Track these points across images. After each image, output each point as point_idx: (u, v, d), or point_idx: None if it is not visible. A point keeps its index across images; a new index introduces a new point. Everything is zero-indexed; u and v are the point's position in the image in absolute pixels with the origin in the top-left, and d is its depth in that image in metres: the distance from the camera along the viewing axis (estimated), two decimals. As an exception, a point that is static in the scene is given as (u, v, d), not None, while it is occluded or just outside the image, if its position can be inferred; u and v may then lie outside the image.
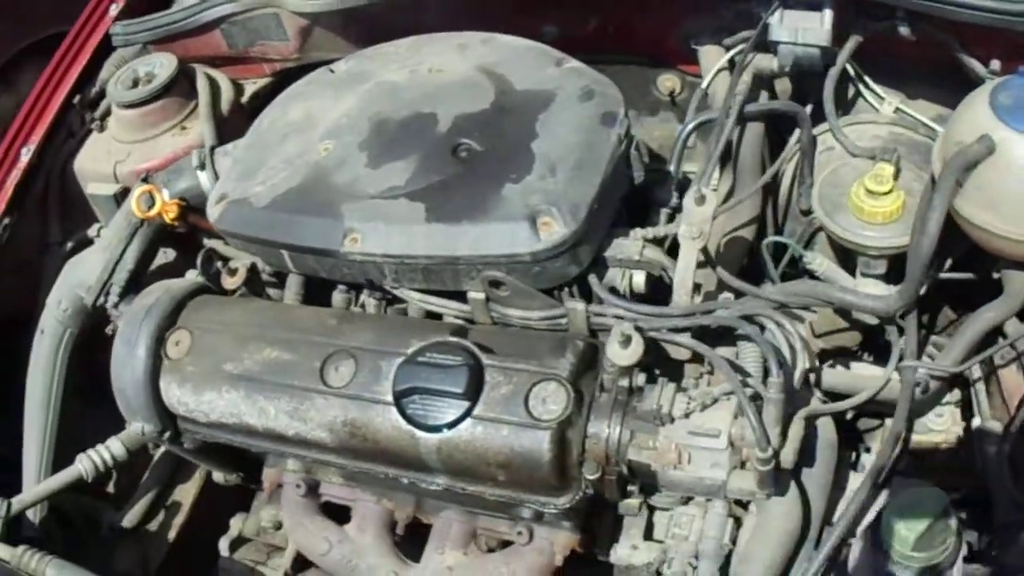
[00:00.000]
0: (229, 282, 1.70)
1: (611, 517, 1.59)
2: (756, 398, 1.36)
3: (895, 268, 1.58)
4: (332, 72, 1.84)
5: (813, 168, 1.71)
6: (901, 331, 1.47)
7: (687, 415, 1.35)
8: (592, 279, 1.49)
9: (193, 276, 1.76)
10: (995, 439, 1.68)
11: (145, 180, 1.85)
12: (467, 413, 1.38)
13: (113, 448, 1.84)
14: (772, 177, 1.78)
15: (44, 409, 1.92)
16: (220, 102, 2.04)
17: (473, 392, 1.38)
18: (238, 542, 1.89)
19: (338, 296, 1.71)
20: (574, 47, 1.74)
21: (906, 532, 1.21)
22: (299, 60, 2.06)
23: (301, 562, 1.83)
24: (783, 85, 1.86)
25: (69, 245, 2.06)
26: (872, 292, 1.54)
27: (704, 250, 1.54)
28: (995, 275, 1.53)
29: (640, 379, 1.40)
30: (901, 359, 1.44)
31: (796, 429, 1.37)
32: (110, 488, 2.06)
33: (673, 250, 1.55)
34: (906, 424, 1.40)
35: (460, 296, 1.56)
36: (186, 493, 2.04)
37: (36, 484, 1.88)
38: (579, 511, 1.50)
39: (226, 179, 1.73)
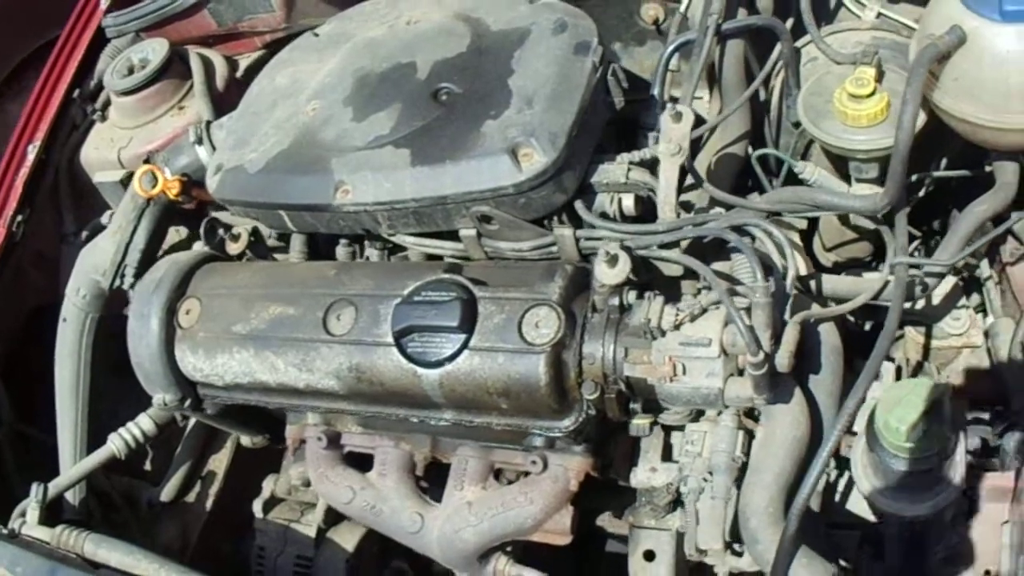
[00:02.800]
0: (233, 248, 1.81)
1: (628, 442, 1.66)
2: (749, 308, 1.42)
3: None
4: (316, 36, 1.93)
5: (799, 80, 1.76)
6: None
7: (677, 327, 1.42)
8: (579, 205, 1.56)
9: (199, 247, 1.86)
10: (1007, 333, 1.72)
11: (147, 161, 1.96)
12: (464, 346, 1.46)
13: (143, 424, 1.96)
14: (763, 92, 1.83)
15: (74, 394, 2.04)
16: (215, 79, 2.14)
17: (468, 324, 1.46)
18: (271, 503, 2.00)
19: (341, 250, 1.81)
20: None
21: (896, 424, 1.26)
22: (288, 29, 2.15)
23: (333, 515, 1.95)
24: (764, 2, 1.90)
25: (84, 234, 2.18)
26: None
27: (692, 168, 1.61)
28: (987, 168, 1.57)
29: (631, 297, 1.47)
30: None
31: (791, 333, 1.42)
32: (147, 466, 2.20)
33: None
34: (899, 319, 1.45)
35: (455, 236, 1.65)
36: (219, 463, 2.16)
37: (72, 466, 2.01)
38: (590, 436, 1.58)
39: (221, 150, 1.83)
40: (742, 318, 1.34)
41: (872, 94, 1.59)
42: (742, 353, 1.39)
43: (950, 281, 1.80)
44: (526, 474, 1.67)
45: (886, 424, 1.27)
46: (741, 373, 1.42)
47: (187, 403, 1.78)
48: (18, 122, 2.15)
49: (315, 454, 1.82)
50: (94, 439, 2.03)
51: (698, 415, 1.60)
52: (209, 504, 2.12)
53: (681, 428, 1.61)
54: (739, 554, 1.56)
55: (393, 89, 1.69)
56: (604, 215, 1.60)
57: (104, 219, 2.19)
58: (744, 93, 1.76)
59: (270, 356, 1.62)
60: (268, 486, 2.02)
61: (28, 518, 1.84)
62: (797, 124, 1.78)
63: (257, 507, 2.00)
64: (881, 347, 1.41)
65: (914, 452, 1.28)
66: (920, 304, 1.79)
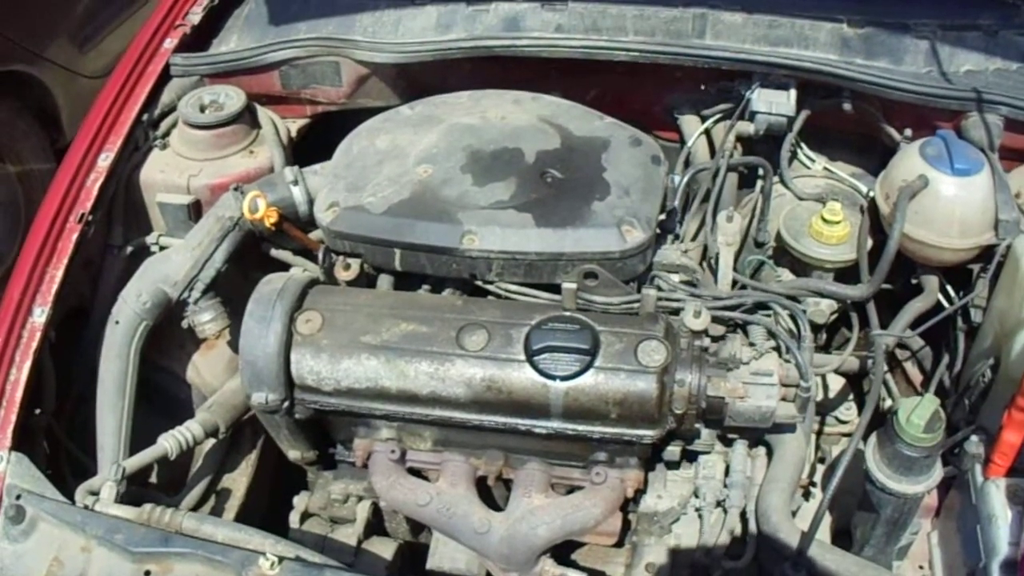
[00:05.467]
0: (343, 275, 2.19)
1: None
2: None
3: (838, 279, 2.40)
4: (402, 113, 2.41)
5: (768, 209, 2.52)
6: (863, 315, 2.28)
7: (748, 362, 2.05)
8: (662, 273, 2.17)
9: (298, 271, 2.23)
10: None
11: (236, 189, 2.30)
12: (590, 364, 1.98)
13: (193, 429, 2.22)
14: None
15: (119, 394, 2.23)
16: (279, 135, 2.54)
17: (595, 348, 1.99)
18: (303, 517, 2.31)
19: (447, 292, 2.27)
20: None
21: (917, 419, 1.95)
22: (343, 105, 2.59)
23: (370, 529, 2.31)
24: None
25: (129, 249, 2.42)
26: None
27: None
28: (913, 280, 2.39)
29: (706, 341, 2.09)
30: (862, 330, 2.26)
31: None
32: (152, 479, 2.40)
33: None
34: (881, 377, 2.19)
35: (548, 288, 2.17)
36: (234, 481, 2.42)
37: (112, 462, 2.19)
38: (642, 458, 2.13)
39: (332, 191, 2.23)
40: (802, 358, 2.00)
41: (840, 222, 2.37)
42: (790, 384, 2.04)
43: (840, 380, 2.59)
44: (574, 489, 2.18)
45: (908, 420, 1.95)
46: (784, 399, 2.07)
47: (285, 404, 2.10)
48: (83, 129, 2.39)
49: (385, 465, 2.19)
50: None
51: (713, 447, 2.23)
52: (231, 517, 2.35)
53: (703, 452, 2.22)
54: (737, 556, 2.17)
55: (505, 166, 2.21)
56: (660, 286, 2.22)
57: (150, 239, 2.47)
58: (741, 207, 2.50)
59: (401, 364, 2.02)
60: (302, 501, 2.33)
61: (104, 495, 2.02)
62: (760, 244, 2.52)
63: (294, 518, 2.30)
64: (874, 394, 2.12)
65: (924, 441, 1.95)
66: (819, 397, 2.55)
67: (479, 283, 2.19)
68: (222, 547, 1.89)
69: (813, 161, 2.63)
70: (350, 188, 2.22)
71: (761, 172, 2.48)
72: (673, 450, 2.21)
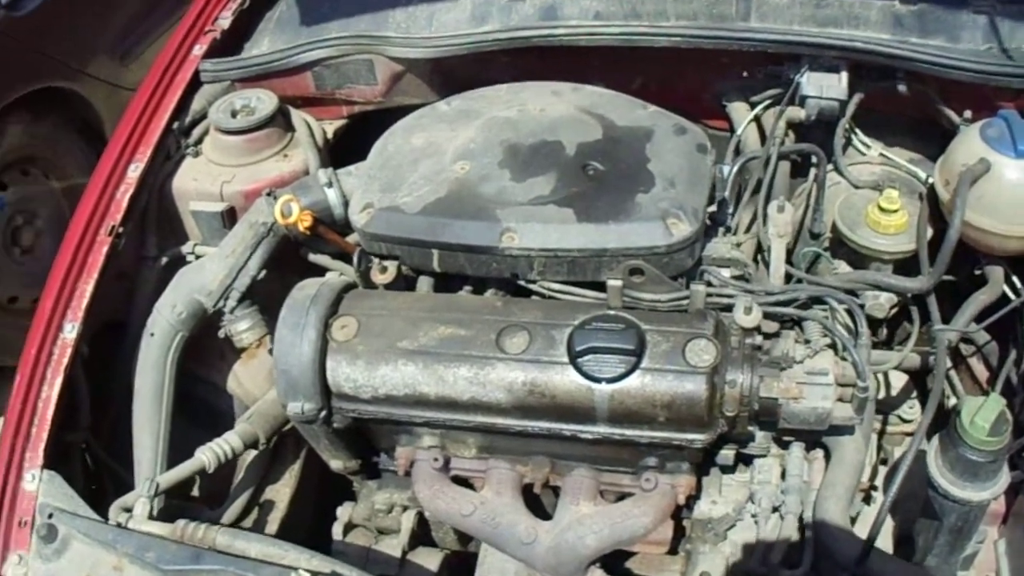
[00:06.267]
0: (379, 278, 2.16)
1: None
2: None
3: (898, 271, 2.32)
4: (438, 109, 2.38)
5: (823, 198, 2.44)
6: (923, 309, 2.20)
7: (802, 360, 1.98)
8: (712, 268, 2.10)
9: (335, 276, 2.21)
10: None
11: (269, 194, 2.29)
12: (636, 366, 1.93)
13: (232, 441, 2.21)
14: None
15: (155, 406, 2.24)
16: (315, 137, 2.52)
17: (640, 349, 1.93)
18: (347, 528, 2.29)
19: (490, 292, 2.22)
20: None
21: (982, 422, 1.87)
22: (380, 104, 2.57)
23: (415, 540, 2.28)
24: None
25: (164, 260, 2.42)
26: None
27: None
28: (976, 271, 2.30)
29: (758, 338, 2.02)
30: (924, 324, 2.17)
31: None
32: (195, 492, 2.39)
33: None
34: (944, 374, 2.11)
35: (593, 287, 2.11)
36: (277, 492, 2.40)
37: (149, 475, 2.19)
38: (694, 462, 2.06)
39: (366, 192, 2.20)
40: (859, 356, 1.93)
41: (898, 210, 2.29)
42: (847, 384, 1.97)
43: (902, 377, 2.50)
44: (624, 496, 2.13)
45: (972, 422, 1.86)
46: (841, 400, 2.00)
47: (322, 413, 2.08)
48: (113, 140, 2.40)
49: (428, 474, 2.15)
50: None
51: (768, 449, 2.16)
52: (275, 529, 2.34)
53: (758, 455, 2.15)
54: (795, 565, 2.09)
55: (545, 160, 2.16)
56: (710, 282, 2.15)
57: (185, 249, 2.46)
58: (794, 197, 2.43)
59: (440, 369, 1.98)
60: (346, 512, 2.31)
61: (137, 512, 2.02)
62: (816, 235, 2.45)
63: (337, 530, 2.28)
64: (935, 394, 2.05)
65: (989, 444, 1.86)
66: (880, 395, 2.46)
67: (522, 283, 2.15)
68: (255, 563, 1.88)
69: (868, 147, 2.54)
70: (385, 188, 2.19)
71: (814, 160, 2.41)
72: (727, 454, 2.14)
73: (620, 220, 2.04)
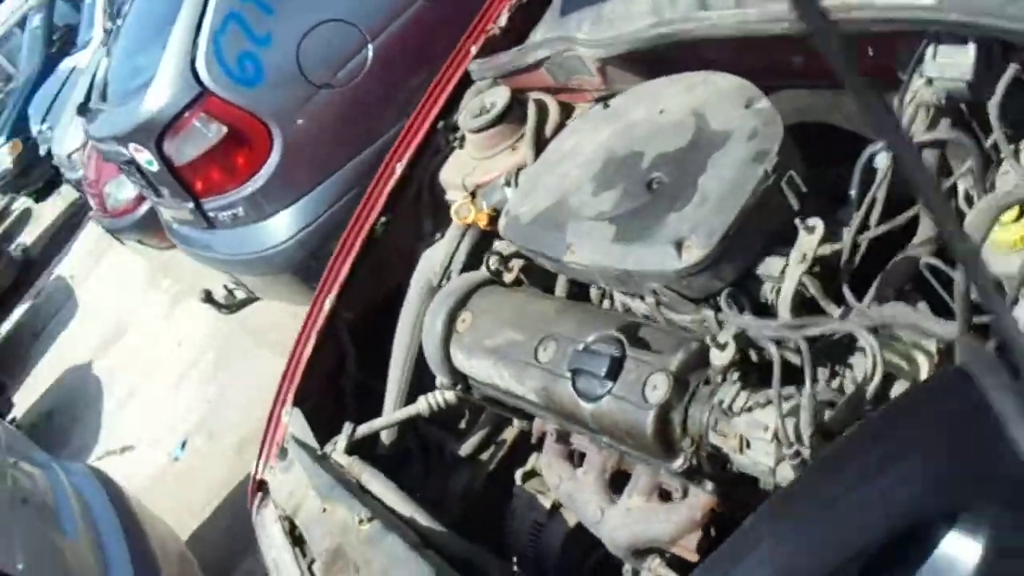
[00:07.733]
0: (507, 276, 2.57)
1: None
2: (831, 404, 1.85)
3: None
4: (598, 109, 2.57)
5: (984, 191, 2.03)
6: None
7: (750, 409, 1.89)
8: (724, 294, 2.06)
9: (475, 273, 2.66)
10: None
11: (472, 194, 2.78)
12: (609, 391, 2.08)
13: (446, 395, 2.82)
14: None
15: (404, 358, 2.91)
16: (546, 126, 2.89)
17: (614, 376, 2.07)
18: (529, 475, 2.77)
19: (593, 290, 2.49)
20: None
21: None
22: (609, 91, 2.79)
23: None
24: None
25: (438, 236, 3.08)
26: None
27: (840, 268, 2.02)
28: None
29: (734, 376, 1.96)
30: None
31: None
32: (462, 425, 3.07)
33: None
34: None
35: (645, 298, 2.24)
36: (510, 434, 2.96)
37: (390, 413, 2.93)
38: (714, 478, 2.10)
39: (515, 196, 2.58)
40: (782, 416, 1.78)
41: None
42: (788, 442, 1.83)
43: None
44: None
45: None
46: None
47: (458, 387, 2.60)
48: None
49: (548, 445, 2.55)
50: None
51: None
52: (493, 466, 2.92)
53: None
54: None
55: (620, 173, 2.29)
56: (763, 303, 2.08)
57: (453, 229, 3.09)
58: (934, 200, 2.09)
59: (500, 368, 2.37)
60: (532, 460, 2.79)
61: (338, 446, 2.74)
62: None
63: (518, 475, 2.78)
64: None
65: None
66: None
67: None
68: (369, 497, 2.51)
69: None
70: (523, 194, 2.53)
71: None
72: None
73: (640, 242, 2.13)
